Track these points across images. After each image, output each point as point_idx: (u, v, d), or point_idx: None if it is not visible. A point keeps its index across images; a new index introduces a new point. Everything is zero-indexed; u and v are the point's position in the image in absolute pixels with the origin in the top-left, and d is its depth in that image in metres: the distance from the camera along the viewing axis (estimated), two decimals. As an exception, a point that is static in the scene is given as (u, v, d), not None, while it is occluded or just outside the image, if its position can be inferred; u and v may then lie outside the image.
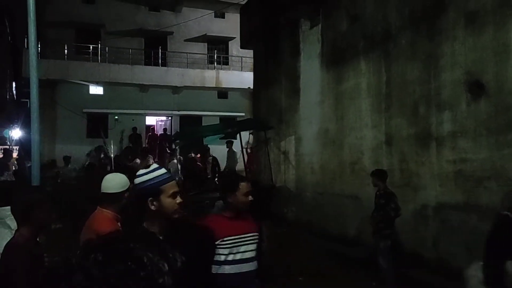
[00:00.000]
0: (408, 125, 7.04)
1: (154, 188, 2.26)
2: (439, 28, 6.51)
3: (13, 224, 3.74)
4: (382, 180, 6.09)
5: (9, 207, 3.78)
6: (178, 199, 2.31)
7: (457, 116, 6.21)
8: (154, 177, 2.29)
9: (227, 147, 13.08)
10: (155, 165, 2.39)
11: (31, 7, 4.94)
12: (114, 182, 3.24)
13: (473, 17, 6.02)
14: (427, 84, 6.69)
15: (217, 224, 3.02)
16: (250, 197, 3.07)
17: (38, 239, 2.85)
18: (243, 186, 3.07)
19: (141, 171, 2.35)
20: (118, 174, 3.52)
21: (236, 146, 13.36)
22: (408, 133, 7.04)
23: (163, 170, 2.36)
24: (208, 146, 13.32)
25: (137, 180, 2.32)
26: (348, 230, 8.36)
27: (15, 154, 19.88)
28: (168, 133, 19.30)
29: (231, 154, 13.19)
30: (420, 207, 6.63)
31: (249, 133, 13.95)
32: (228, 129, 10.71)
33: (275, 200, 9.86)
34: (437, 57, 6.52)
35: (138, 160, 11.02)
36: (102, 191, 3.23)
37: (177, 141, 11.58)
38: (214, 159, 13.20)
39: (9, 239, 2.79)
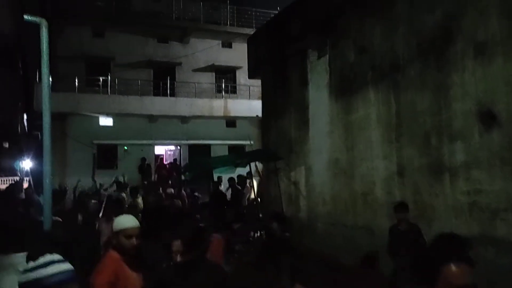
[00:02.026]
0: (420, 156, 6.98)
1: None
2: (448, 58, 6.53)
3: (26, 271, 3.72)
4: (407, 213, 5.85)
5: (22, 254, 3.77)
6: None
7: (470, 147, 6.15)
8: (38, 278, 1.73)
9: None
10: (50, 257, 1.82)
11: (44, 47, 5.02)
12: (117, 223, 3.30)
13: (482, 48, 6.04)
14: (438, 115, 6.67)
15: None
16: None
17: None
18: (453, 272, 1.67)
19: (29, 265, 1.79)
20: (128, 215, 3.54)
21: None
22: (420, 164, 6.97)
23: (58, 267, 1.79)
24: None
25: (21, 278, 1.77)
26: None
27: (26, 185, 20.02)
28: (178, 163, 19.37)
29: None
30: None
31: (255, 164, 13.85)
32: (237, 160, 10.69)
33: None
34: (447, 87, 6.52)
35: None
36: None
37: (186, 173, 11.57)
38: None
39: None
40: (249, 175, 14.19)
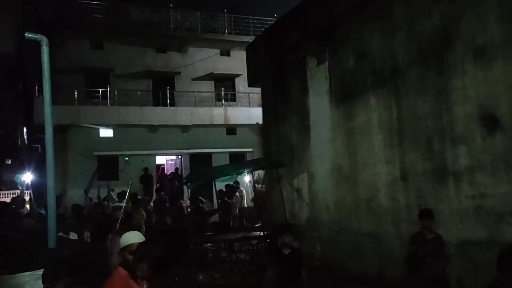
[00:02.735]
0: (423, 160, 6.97)
1: None
2: (447, 62, 6.54)
3: (32, 290, 3.70)
4: (433, 221, 5.58)
5: (28, 273, 3.75)
6: None
7: (473, 151, 6.14)
8: None
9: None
10: None
11: (46, 65, 5.02)
12: (123, 240, 3.28)
13: (481, 52, 6.05)
14: (439, 119, 6.66)
15: None
16: None
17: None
18: None
19: None
20: (134, 231, 3.52)
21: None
22: (423, 169, 6.95)
23: None
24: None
25: None
26: (368, 269, 8.16)
27: (27, 198, 19.91)
28: (179, 173, 19.33)
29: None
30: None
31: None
32: (239, 169, 10.68)
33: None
34: (448, 91, 6.52)
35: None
36: None
37: (188, 184, 11.55)
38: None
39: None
40: (238, 184, 14.19)
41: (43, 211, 12.69)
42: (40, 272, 3.83)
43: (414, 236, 5.64)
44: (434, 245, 5.42)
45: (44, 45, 4.54)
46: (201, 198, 12.97)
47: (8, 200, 16.17)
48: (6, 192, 26.31)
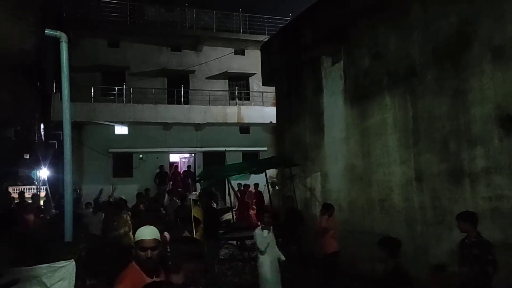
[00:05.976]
0: (438, 161, 6.90)
1: None
2: (465, 63, 6.47)
3: (49, 282, 3.78)
4: (474, 224, 4.94)
5: (45, 265, 3.82)
6: None
7: (490, 152, 6.07)
8: None
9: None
10: None
11: (65, 62, 5.09)
12: (136, 234, 3.30)
13: (500, 52, 5.97)
14: (456, 120, 6.59)
15: None
16: None
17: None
18: None
19: None
20: (148, 226, 3.55)
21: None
22: (439, 169, 6.89)
23: None
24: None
25: None
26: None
27: (43, 194, 20.26)
28: (192, 170, 19.43)
29: None
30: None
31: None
32: (253, 167, 10.71)
33: (303, 238, 9.70)
34: (465, 92, 6.45)
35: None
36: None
37: (202, 181, 11.59)
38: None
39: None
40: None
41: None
42: (57, 264, 3.92)
43: (461, 240, 5.14)
44: (474, 251, 4.81)
45: (64, 42, 4.61)
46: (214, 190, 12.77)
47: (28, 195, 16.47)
48: (22, 187, 26.74)
